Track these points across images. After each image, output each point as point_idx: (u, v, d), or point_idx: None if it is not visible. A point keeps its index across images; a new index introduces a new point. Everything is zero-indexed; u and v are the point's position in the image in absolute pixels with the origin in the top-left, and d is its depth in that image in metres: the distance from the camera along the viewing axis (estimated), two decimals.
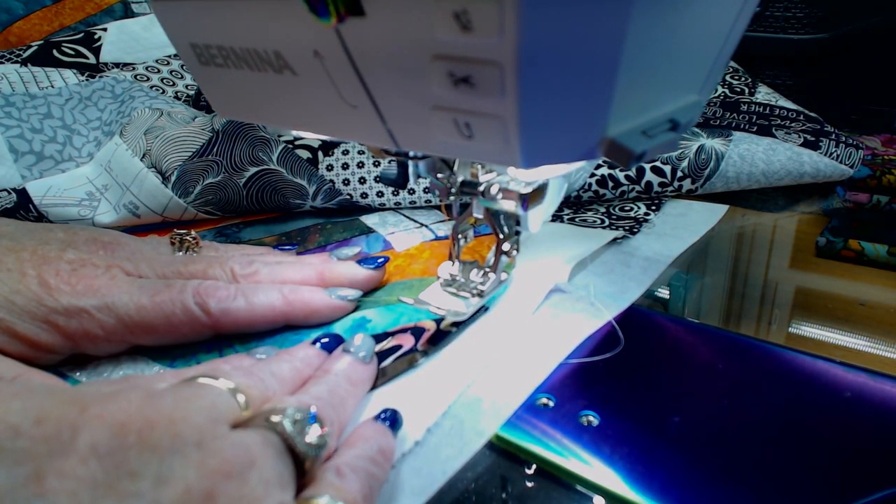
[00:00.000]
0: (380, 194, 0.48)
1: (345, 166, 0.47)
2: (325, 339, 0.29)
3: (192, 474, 0.17)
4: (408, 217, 0.48)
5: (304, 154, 0.47)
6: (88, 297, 0.29)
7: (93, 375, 0.30)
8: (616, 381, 0.29)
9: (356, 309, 0.35)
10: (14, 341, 0.28)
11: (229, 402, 0.21)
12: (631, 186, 0.49)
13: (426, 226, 0.46)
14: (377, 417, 0.25)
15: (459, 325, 0.33)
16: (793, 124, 0.57)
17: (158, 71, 0.60)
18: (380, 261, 0.37)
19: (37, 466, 0.16)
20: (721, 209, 0.48)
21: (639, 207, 0.48)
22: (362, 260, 0.37)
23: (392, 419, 0.25)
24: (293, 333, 0.33)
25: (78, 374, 0.30)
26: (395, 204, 0.49)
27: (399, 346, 0.31)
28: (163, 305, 0.30)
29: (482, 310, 0.34)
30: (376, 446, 0.23)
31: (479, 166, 0.30)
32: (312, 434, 0.21)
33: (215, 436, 0.18)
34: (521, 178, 0.28)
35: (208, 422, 0.19)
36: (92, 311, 0.29)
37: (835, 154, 0.51)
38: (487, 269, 0.33)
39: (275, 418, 0.20)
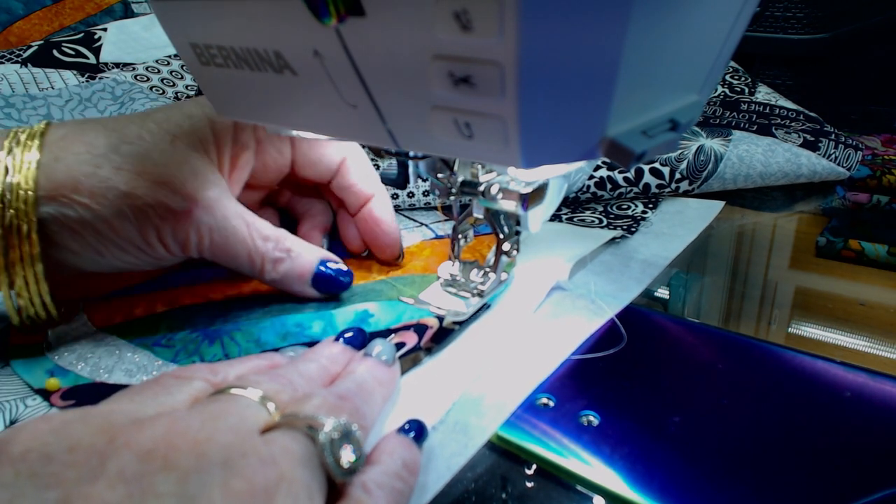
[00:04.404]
0: None
1: None
2: (349, 335, 0.29)
3: (218, 495, 0.17)
4: (408, 217, 0.48)
5: None
6: None
7: (95, 370, 0.31)
8: (616, 381, 0.29)
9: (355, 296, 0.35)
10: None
11: (258, 411, 0.21)
12: (629, 189, 0.49)
13: (426, 225, 0.46)
14: (402, 430, 0.25)
15: (462, 323, 0.33)
16: (793, 124, 0.57)
17: (158, 71, 0.60)
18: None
19: (65, 491, 0.16)
20: (717, 205, 0.48)
21: (636, 206, 0.48)
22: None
23: (418, 430, 0.25)
24: (289, 315, 0.33)
25: (80, 367, 0.31)
26: (395, 206, 0.49)
27: (403, 344, 0.31)
28: None
29: (484, 307, 0.34)
30: (400, 461, 0.23)
31: (479, 166, 0.30)
32: (346, 457, 0.21)
33: (243, 453, 0.19)
34: (521, 178, 0.28)
35: (236, 438, 0.19)
36: None
37: (833, 155, 0.51)
38: (488, 269, 0.33)
39: (314, 431, 0.21)
